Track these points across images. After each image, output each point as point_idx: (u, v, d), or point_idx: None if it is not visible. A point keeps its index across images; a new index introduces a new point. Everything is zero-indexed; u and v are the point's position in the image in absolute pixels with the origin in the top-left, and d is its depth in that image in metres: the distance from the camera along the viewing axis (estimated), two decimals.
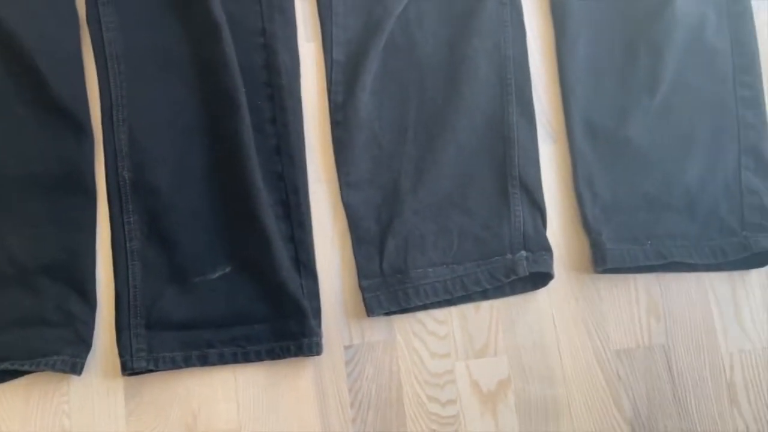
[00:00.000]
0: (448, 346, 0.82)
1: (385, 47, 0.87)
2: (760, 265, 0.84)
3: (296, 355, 0.79)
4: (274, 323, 0.80)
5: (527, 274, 0.81)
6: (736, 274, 0.85)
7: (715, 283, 0.85)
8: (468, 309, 0.83)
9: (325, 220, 0.85)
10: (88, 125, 0.83)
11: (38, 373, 0.78)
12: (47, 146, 0.82)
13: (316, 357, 0.80)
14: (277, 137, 0.85)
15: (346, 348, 0.82)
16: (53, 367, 0.76)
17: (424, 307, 0.83)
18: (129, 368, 0.78)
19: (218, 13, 0.83)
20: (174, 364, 0.79)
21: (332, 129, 0.86)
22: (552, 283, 0.83)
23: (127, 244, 0.82)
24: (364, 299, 0.81)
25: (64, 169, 0.82)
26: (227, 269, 0.82)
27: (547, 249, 0.83)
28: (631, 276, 0.85)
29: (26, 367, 0.76)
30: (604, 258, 0.82)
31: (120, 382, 0.80)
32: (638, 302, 0.84)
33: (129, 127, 0.84)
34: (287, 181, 0.84)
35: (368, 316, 0.81)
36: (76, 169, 0.82)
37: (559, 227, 0.86)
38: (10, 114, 0.82)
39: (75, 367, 0.78)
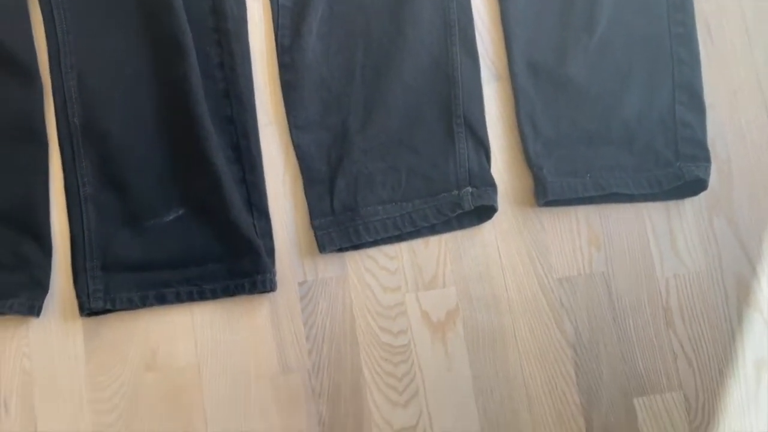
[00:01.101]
0: (398, 279, 0.86)
1: None
2: (694, 193, 0.88)
3: (251, 292, 0.82)
4: (229, 262, 0.82)
5: (472, 208, 0.84)
6: (672, 204, 0.89)
7: (652, 213, 0.89)
8: (417, 244, 0.86)
9: (276, 161, 0.87)
10: (36, 73, 0.84)
11: None
12: None
13: (271, 294, 0.83)
14: (226, 81, 0.86)
15: (300, 284, 0.85)
16: (10, 309, 0.78)
17: (375, 243, 0.85)
18: (86, 309, 0.80)
19: None
20: (131, 304, 0.81)
21: (280, 72, 0.88)
22: (497, 217, 0.87)
23: (80, 189, 0.83)
24: (316, 237, 0.84)
25: (15, 117, 0.83)
26: (180, 211, 0.84)
27: (492, 184, 0.86)
28: (572, 208, 0.88)
29: None
30: (545, 191, 0.85)
31: (79, 324, 0.82)
32: (579, 233, 0.88)
33: (78, 73, 0.84)
34: (237, 125, 0.86)
35: (320, 252, 0.84)
36: (27, 117, 0.83)
37: (503, 163, 0.89)
38: None
39: (32, 309, 0.79)
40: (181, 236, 0.83)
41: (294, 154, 0.86)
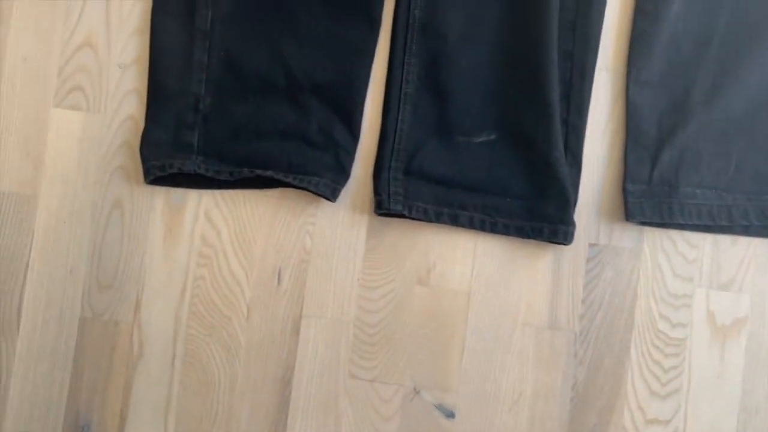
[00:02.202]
0: (693, 270, 0.80)
1: None
2: None
3: (547, 239, 0.78)
4: (531, 201, 0.78)
5: None
6: None
7: None
8: (724, 239, 0.80)
9: (602, 110, 0.81)
10: None
11: (288, 189, 0.80)
12: None
13: (558, 246, 0.79)
14: (576, 14, 0.79)
15: (591, 246, 0.80)
16: (316, 188, 0.77)
17: (681, 226, 0.80)
18: (384, 208, 0.78)
19: None
20: (426, 216, 0.79)
21: (636, 18, 0.80)
22: None
23: (402, 86, 0.80)
24: (626, 202, 0.78)
25: None
26: (492, 136, 0.80)
27: None
28: None
29: (290, 180, 0.77)
30: None
31: (366, 218, 0.80)
32: None
33: None
34: (575, 61, 0.79)
35: (627, 220, 0.78)
36: None
37: None
38: None
39: (334, 192, 0.78)
40: (488, 161, 0.79)
41: (624, 108, 0.80)
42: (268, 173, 0.77)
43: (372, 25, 0.80)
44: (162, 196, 0.80)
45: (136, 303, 0.79)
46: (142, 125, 0.78)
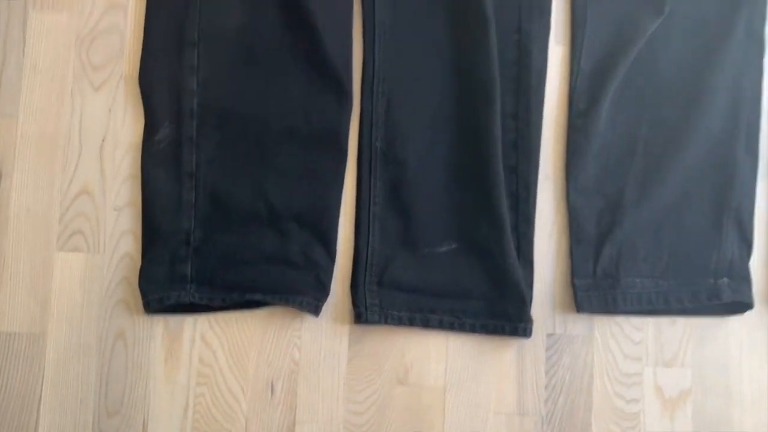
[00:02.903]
0: (640, 350, 0.90)
1: (629, 62, 0.92)
2: None
3: (509, 335, 0.87)
4: (492, 302, 0.88)
5: (730, 301, 0.88)
6: None
7: None
8: (664, 321, 0.91)
9: (547, 215, 0.92)
10: (349, 91, 0.90)
11: (275, 307, 0.89)
12: (311, 104, 0.90)
13: (520, 338, 0.89)
14: (517, 132, 0.91)
15: (549, 336, 0.90)
16: (300, 306, 0.86)
17: (626, 312, 0.90)
18: (363, 319, 0.87)
19: (490, 10, 0.88)
20: (400, 322, 0.88)
21: (569, 133, 0.92)
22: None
23: (371, 207, 0.90)
24: (575, 296, 0.89)
25: (323, 128, 0.90)
26: (453, 245, 0.90)
27: (748, 280, 0.90)
28: None
29: (276, 301, 0.86)
30: None
31: (347, 328, 0.89)
32: None
33: (387, 100, 0.90)
34: (520, 175, 0.91)
35: (577, 311, 0.89)
36: (334, 130, 0.90)
37: (759, 259, 0.92)
38: (282, 71, 0.90)
39: (317, 309, 0.87)
40: (452, 268, 0.89)
41: (566, 211, 0.91)
42: (257, 296, 0.86)
43: (340, 156, 0.90)
44: (161, 324, 0.88)
45: (143, 425, 0.86)
46: (138, 262, 0.87)
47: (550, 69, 0.93)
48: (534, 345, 0.90)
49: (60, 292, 0.87)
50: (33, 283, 0.87)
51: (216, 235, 0.88)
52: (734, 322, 0.91)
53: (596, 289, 0.89)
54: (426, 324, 0.88)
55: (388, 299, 0.88)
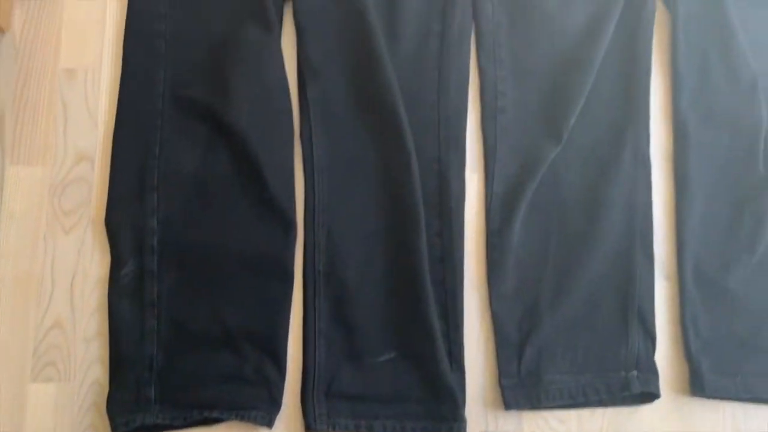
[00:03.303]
0: None
1: (535, 185, 1.06)
2: None
3: None
4: (429, 405, 0.98)
5: (639, 392, 0.99)
6: None
7: None
8: (585, 412, 1.01)
9: (474, 322, 1.03)
10: (294, 223, 1.02)
11: (232, 421, 0.97)
12: (260, 236, 1.01)
13: None
14: (442, 249, 1.03)
15: None
16: (255, 420, 0.95)
17: (549, 406, 1.00)
18: (313, 428, 0.96)
19: (411, 145, 1.03)
20: (347, 429, 0.97)
21: (488, 250, 1.05)
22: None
23: (316, 325, 1.00)
24: (503, 395, 0.99)
25: (272, 256, 1.01)
26: (392, 354, 1.00)
27: (655, 372, 1.01)
28: (721, 402, 1.02)
29: (233, 417, 0.95)
30: (703, 387, 0.99)
31: None
32: (724, 425, 1.02)
33: (327, 229, 1.03)
34: (447, 288, 1.02)
35: (506, 409, 0.99)
36: (281, 257, 1.02)
37: (664, 353, 1.04)
38: (234, 208, 1.02)
39: (270, 421, 0.96)
40: (392, 376, 0.99)
41: (490, 318, 1.03)
42: (215, 414, 0.95)
43: (287, 281, 1.01)
44: None
45: None
46: (107, 388, 0.95)
47: (468, 193, 1.07)
48: None
49: (33, 420, 0.95)
50: (7, 413, 0.95)
51: (177, 359, 0.97)
52: (648, 410, 1.02)
53: (521, 387, 1.00)
54: (370, 430, 0.97)
55: (335, 409, 0.98)
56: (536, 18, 1.11)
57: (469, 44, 1.11)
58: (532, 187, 1.05)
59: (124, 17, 1.09)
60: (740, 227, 1.06)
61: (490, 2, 1.12)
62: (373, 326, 1.01)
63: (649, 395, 1.00)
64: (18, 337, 0.98)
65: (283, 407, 0.98)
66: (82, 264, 1.01)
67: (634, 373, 1.01)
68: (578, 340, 1.02)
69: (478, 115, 1.10)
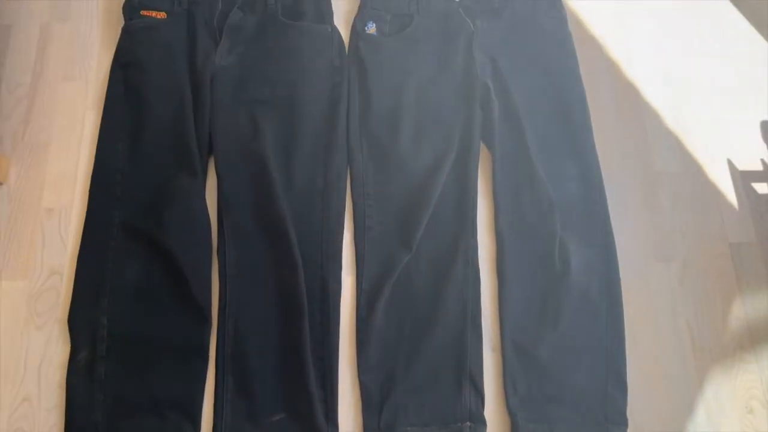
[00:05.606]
0: None
1: (393, 283, 1.42)
2: None
3: None
4: None
5: None
6: None
7: None
8: None
9: (347, 388, 1.36)
10: (210, 317, 1.37)
11: None
12: (184, 327, 1.36)
13: None
14: (323, 333, 1.38)
15: None
16: None
17: None
18: None
19: (298, 258, 1.39)
20: None
21: (357, 334, 1.39)
22: None
23: (223, 394, 1.33)
24: None
25: (191, 343, 1.35)
26: (282, 415, 1.32)
27: (483, 423, 1.33)
28: None
29: None
30: None
31: None
32: None
33: (234, 320, 1.37)
34: (326, 363, 1.36)
35: None
36: (199, 343, 1.35)
37: (491, 408, 1.35)
38: (165, 306, 1.37)
39: None
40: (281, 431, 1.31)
41: (359, 386, 1.35)
42: None
43: (203, 361, 1.35)
44: None
45: None
46: None
47: (343, 291, 1.42)
48: None
49: None
50: None
51: (116, 424, 1.28)
52: None
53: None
54: None
55: None
56: (393, 161, 1.52)
57: (345, 182, 1.51)
58: (390, 285, 1.41)
59: (91, 170, 1.49)
60: (546, 310, 1.41)
61: (360, 152, 1.53)
62: (268, 394, 1.33)
63: None
64: None
65: None
66: (49, 352, 1.34)
67: (468, 424, 1.32)
68: (424, 399, 1.34)
69: (352, 233, 1.48)
